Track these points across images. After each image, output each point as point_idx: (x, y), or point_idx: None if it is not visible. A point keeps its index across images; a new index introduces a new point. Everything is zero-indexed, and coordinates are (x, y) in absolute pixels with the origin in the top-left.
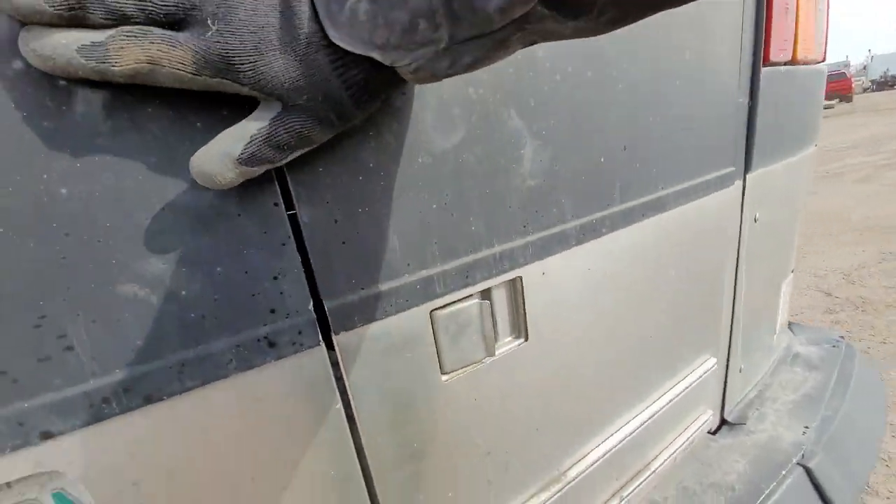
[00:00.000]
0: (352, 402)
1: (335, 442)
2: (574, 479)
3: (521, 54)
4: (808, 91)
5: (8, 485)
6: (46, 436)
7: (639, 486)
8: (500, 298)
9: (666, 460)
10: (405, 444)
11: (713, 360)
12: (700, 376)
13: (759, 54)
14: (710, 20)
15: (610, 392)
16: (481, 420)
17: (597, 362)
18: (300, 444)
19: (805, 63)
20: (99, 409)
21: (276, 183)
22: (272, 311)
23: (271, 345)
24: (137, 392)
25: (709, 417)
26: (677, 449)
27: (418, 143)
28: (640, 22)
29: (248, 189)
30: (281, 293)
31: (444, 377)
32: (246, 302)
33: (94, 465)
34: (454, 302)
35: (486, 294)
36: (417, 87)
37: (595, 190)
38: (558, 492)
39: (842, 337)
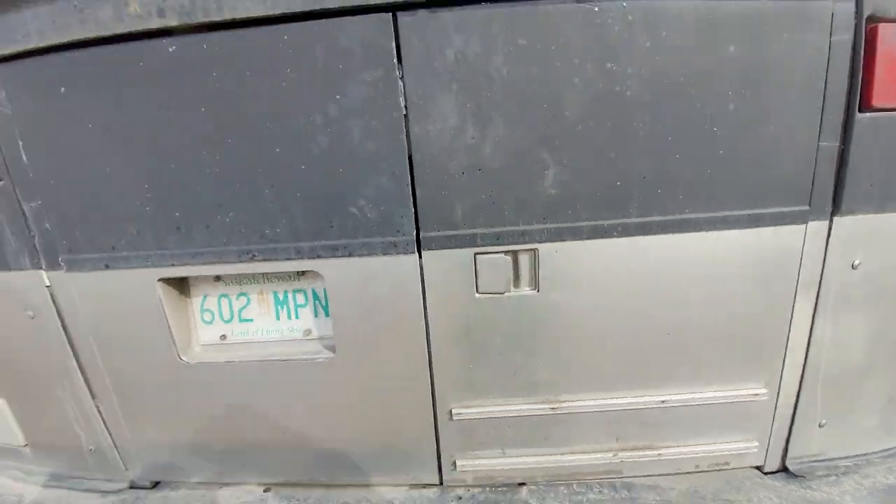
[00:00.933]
0: (425, 291)
1: (415, 311)
2: (566, 411)
3: (552, 106)
4: None
5: (301, 273)
6: (320, 257)
7: (639, 459)
8: (524, 260)
9: (680, 458)
10: (449, 326)
11: (763, 391)
12: (737, 400)
13: (855, 100)
14: (780, 70)
15: (609, 360)
16: (498, 332)
17: (598, 329)
18: (402, 304)
19: None
20: (342, 252)
21: (408, 172)
22: (398, 231)
23: (394, 246)
24: (348, 249)
25: (753, 449)
26: (699, 455)
27: (476, 163)
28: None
29: (393, 176)
30: (403, 224)
31: (477, 295)
32: (390, 224)
33: (330, 279)
34: (489, 252)
35: (514, 254)
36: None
37: (609, 203)
38: (552, 411)
39: None
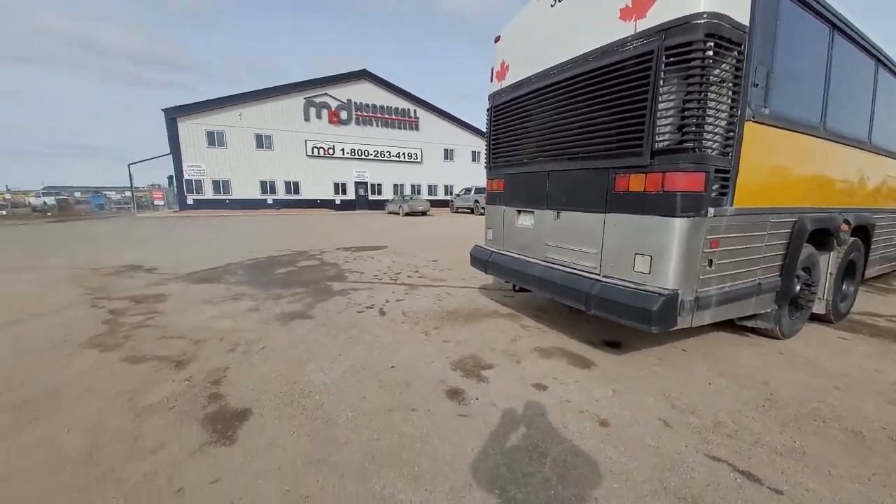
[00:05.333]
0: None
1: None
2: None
3: None
4: None
5: (530, 212)
6: (535, 209)
7: (563, 259)
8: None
9: (587, 269)
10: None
11: (596, 251)
12: (589, 252)
13: (612, 188)
14: (602, 183)
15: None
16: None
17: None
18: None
19: None
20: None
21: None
22: (543, 205)
23: (544, 206)
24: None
25: (596, 269)
26: (592, 274)
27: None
28: None
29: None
30: (544, 202)
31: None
32: (540, 203)
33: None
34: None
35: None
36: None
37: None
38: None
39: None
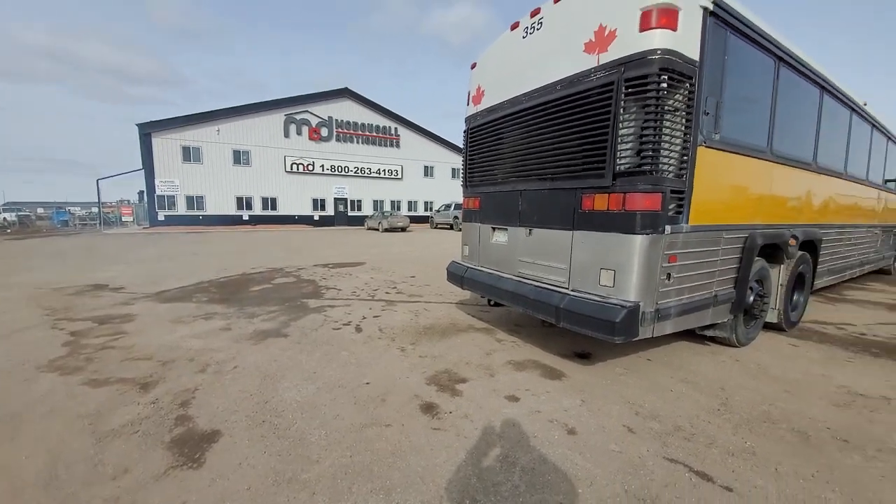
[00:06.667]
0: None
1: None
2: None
3: None
4: None
5: (503, 229)
6: (508, 227)
7: (536, 274)
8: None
9: (556, 282)
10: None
11: (564, 267)
12: (558, 267)
13: (579, 208)
14: (571, 201)
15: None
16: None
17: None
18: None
19: None
20: (511, 224)
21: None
22: (516, 222)
23: (516, 223)
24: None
25: (565, 283)
26: (557, 279)
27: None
28: None
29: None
30: (515, 219)
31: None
32: (512, 220)
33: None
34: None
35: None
36: None
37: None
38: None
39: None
